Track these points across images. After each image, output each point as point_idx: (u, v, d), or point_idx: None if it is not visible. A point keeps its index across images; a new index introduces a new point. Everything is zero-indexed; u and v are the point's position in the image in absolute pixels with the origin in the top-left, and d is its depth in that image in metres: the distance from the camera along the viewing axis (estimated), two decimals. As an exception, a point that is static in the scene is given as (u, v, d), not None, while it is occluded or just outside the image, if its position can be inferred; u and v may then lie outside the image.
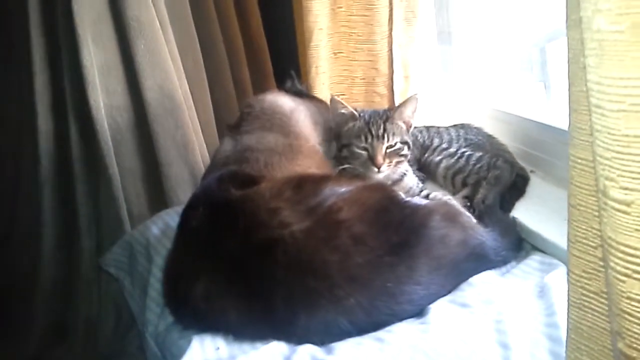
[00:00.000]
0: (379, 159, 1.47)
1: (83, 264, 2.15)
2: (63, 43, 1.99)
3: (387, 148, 1.48)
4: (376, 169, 1.47)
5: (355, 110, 1.54)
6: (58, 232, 2.19)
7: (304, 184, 1.26)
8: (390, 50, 1.82)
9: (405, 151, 1.51)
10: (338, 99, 1.56)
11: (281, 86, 1.79)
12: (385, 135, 1.48)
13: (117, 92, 2.01)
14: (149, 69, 1.96)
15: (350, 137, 1.51)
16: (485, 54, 1.99)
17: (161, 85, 1.99)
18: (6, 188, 2.40)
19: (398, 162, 1.51)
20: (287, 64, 1.93)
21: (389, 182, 1.51)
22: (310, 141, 1.55)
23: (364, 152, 1.49)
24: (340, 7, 1.81)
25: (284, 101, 1.62)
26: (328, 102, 1.61)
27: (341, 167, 1.51)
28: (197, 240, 1.27)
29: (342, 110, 1.54)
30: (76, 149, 2.07)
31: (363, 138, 1.48)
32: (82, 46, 1.91)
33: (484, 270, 1.24)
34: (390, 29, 1.79)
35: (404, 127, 1.52)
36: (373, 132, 1.48)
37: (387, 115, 1.51)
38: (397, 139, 1.49)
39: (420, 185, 1.56)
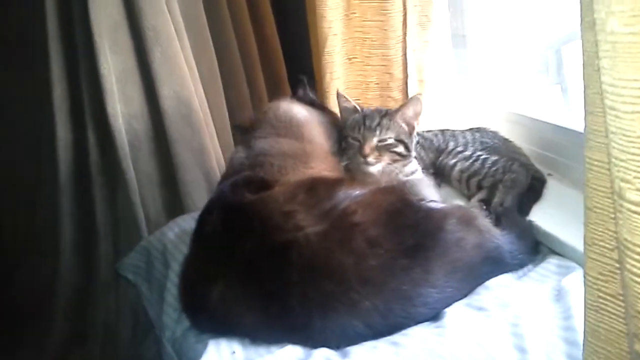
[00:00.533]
0: (366, 149, 1.47)
1: (101, 269, 2.16)
2: (81, 52, 2.01)
3: (378, 141, 1.49)
4: (362, 159, 1.48)
5: (359, 106, 1.57)
6: (76, 238, 2.21)
7: (317, 187, 1.27)
8: (405, 54, 1.82)
9: (401, 149, 1.50)
10: (342, 93, 1.60)
11: (294, 94, 1.79)
12: (378, 129, 1.49)
13: (134, 99, 2.03)
14: (165, 77, 1.98)
15: (348, 129, 1.54)
16: (501, 57, 1.98)
17: (177, 92, 2.01)
18: (26, 195, 2.43)
19: (394, 160, 1.50)
20: (302, 70, 1.93)
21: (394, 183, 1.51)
22: (323, 147, 1.56)
23: (356, 143, 1.50)
24: (354, 13, 1.81)
25: (297, 110, 1.63)
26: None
27: (343, 164, 1.53)
28: (212, 245, 1.28)
29: (346, 104, 1.58)
30: (94, 156, 2.09)
31: (357, 129, 1.50)
32: (99, 54, 1.93)
33: (500, 273, 1.23)
34: (404, 34, 1.79)
35: (404, 127, 1.52)
36: (366, 124, 1.50)
37: (387, 112, 1.53)
38: (391, 134, 1.49)
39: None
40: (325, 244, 1.15)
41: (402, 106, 1.55)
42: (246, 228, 1.21)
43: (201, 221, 1.37)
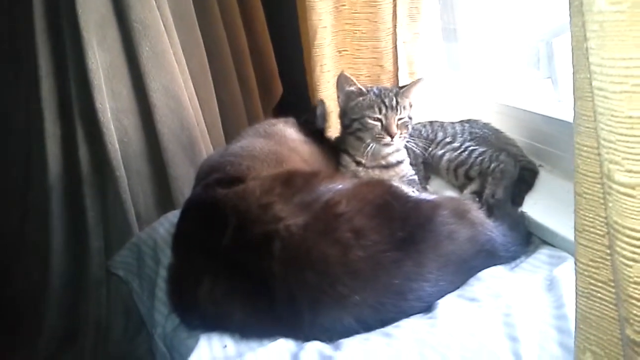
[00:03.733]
0: (394, 128, 1.49)
1: (92, 266, 2.15)
2: (68, 47, 2.00)
3: (399, 119, 1.51)
4: (390, 139, 1.49)
5: (364, 86, 1.57)
6: (67, 235, 2.20)
7: (294, 179, 1.25)
8: (395, 47, 1.81)
9: (412, 123, 1.55)
10: (346, 74, 1.58)
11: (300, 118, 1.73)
12: (398, 107, 1.51)
13: (122, 94, 2.01)
14: (154, 71, 1.97)
15: (362, 110, 1.53)
16: (492, 51, 1.98)
17: (167, 87, 1.99)
18: (16, 192, 2.41)
19: (406, 135, 1.54)
20: (292, 64, 1.92)
21: (384, 163, 1.54)
22: (303, 157, 1.52)
23: (377, 123, 1.50)
24: (344, 5, 1.80)
25: (291, 131, 1.61)
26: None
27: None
28: (193, 245, 1.27)
29: (351, 88, 1.56)
30: (83, 152, 2.07)
31: (377, 109, 1.50)
32: (87, 50, 1.92)
33: (493, 266, 1.22)
34: (395, 26, 1.78)
35: (410, 104, 1.55)
36: (387, 104, 1.50)
37: (397, 91, 1.54)
38: (406, 112, 1.53)
39: (416, 178, 1.57)
40: (307, 234, 1.12)
41: (410, 85, 1.57)
42: (223, 222, 1.18)
43: (179, 225, 1.37)
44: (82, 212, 2.14)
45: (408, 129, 1.54)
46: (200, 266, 1.21)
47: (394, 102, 1.51)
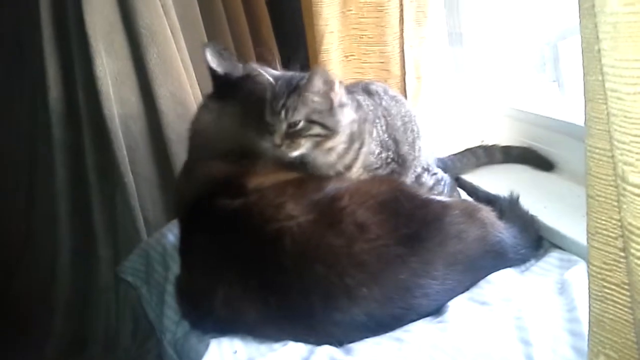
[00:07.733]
0: (277, 139, 1.24)
1: (100, 273, 2.16)
2: (76, 54, 2.01)
3: (288, 127, 1.23)
4: (277, 148, 1.26)
5: (272, 77, 1.28)
6: (74, 241, 2.21)
7: (307, 181, 1.27)
8: (402, 51, 1.80)
9: (317, 131, 1.24)
10: (253, 65, 1.36)
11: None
12: (284, 112, 1.23)
13: (130, 101, 2.02)
14: (161, 77, 1.98)
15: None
16: (498, 55, 1.97)
17: (174, 92, 2.00)
18: (22, 199, 2.42)
19: (318, 143, 1.26)
20: (299, 70, 1.90)
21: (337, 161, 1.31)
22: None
23: (270, 127, 1.27)
24: (350, 10, 1.80)
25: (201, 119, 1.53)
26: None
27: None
28: (207, 256, 1.26)
29: (261, 79, 1.32)
30: (91, 158, 2.08)
31: (268, 111, 1.26)
32: (95, 57, 1.92)
33: (503, 268, 1.22)
34: (401, 30, 1.77)
35: (319, 101, 1.24)
36: (273, 107, 1.25)
37: (297, 86, 1.24)
38: (299, 116, 1.23)
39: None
40: (315, 228, 1.15)
41: (308, 79, 1.23)
42: (241, 228, 1.21)
43: (184, 237, 1.37)
44: (90, 219, 2.14)
45: (314, 135, 1.25)
46: (215, 275, 1.22)
47: (280, 105, 1.22)
